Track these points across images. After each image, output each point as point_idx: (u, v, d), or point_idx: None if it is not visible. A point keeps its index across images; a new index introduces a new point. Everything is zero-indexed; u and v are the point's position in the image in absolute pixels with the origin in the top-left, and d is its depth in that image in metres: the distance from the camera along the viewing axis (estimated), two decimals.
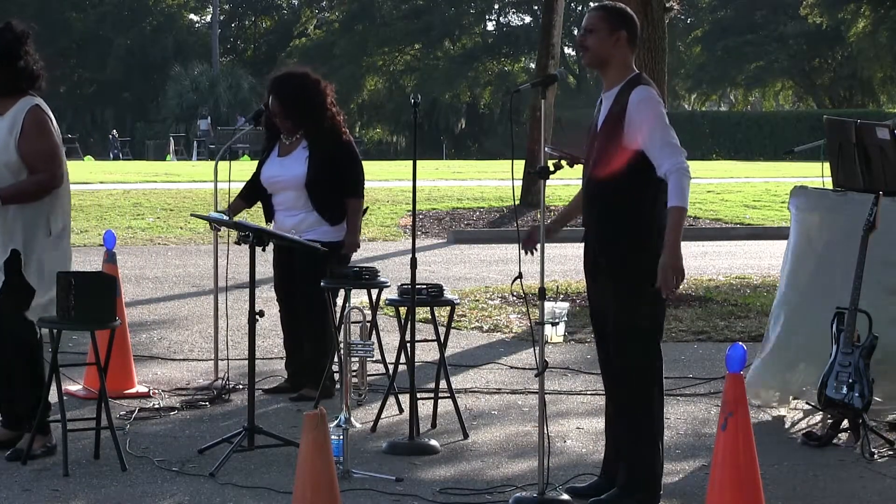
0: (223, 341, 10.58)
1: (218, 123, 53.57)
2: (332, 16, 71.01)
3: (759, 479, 5.47)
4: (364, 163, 8.93)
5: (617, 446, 6.34)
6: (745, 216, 22.33)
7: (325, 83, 8.68)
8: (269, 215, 8.77)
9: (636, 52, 6.27)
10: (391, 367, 8.16)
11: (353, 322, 6.97)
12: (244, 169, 8.98)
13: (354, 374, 7.01)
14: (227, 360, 9.03)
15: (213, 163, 8.88)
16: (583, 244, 6.39)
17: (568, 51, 62.99)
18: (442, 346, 7.84)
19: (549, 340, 6.47)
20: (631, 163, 6.06)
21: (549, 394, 8.40)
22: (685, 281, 13.43)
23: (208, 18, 71.80)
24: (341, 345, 7.08)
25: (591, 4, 65.52)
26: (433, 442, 7.41)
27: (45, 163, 6.85)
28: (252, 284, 7.27)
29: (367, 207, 9.03)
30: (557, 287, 13.25)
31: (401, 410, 8.19)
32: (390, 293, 8.30)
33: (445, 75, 65.72)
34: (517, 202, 19.93)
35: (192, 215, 9.48)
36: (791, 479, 6.86)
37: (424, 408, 7.92)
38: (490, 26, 71.19)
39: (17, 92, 6.91)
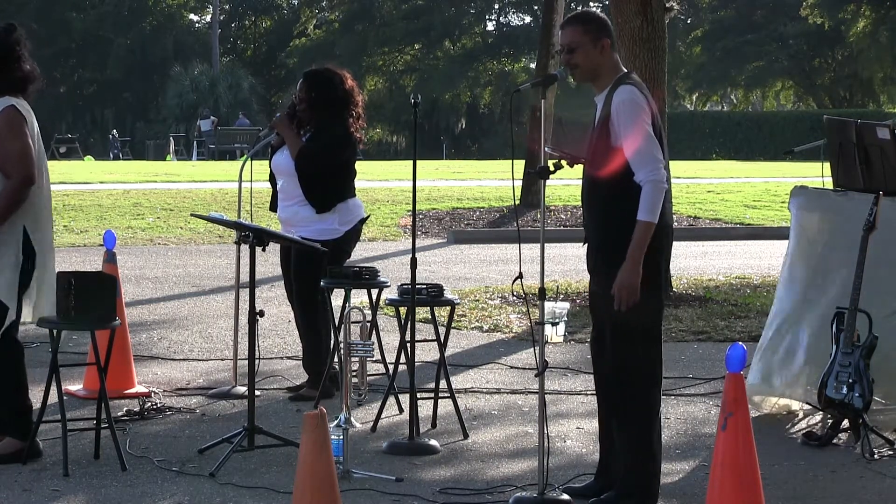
0: (223, 341, 10.60)
1: (217, 124, 53.51)
2: (332, 16, 70.95)
3: (759, 480, 5.47)
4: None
5: (612, 448, 6.33)
6: (745, 216, 22.33)
7: (357, 91, 8.72)
8: (276, 204, 8.82)
9: (624, 54, 6.30)
10: (391, 367, 8.16)
11: (353, 322, 6.97)
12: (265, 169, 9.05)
13: (354, 374, 7.01)
14: (235, 359, 9.03)
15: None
16: (583, 244, 6.39)
17: None
18: (442, 346, 7.84)
19: (549, 340, 6.48)
20: (625, 163, 6.07)
21: (549, 394, 8.40)
22: (685, 281, 13.36)
23: (208, 18, 71.76)
24: (341, 345, 7.08)
25: (591, 4, 65.08)
26: (433, 442, 7.41)
27: (14, 164, 6.74)
28: (252, 284, 7.27)
29: (369, 216, 9.03)
30: (557, 287, 13.25)
31: (401, 410, 8.19)
32: (390, 293, 8.30)
33: (445, 75, 65.65)
34: (517, 202, 19.92)
35: (192, 215, 9.49)
36: (791, 479, 6.86)
37: (424, 408, 7.92)
38: (490, 26, 71.15)
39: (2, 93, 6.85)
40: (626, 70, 6.29)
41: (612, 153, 6.09)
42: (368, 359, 7.06)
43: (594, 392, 8.86)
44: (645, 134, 6.05)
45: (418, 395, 7.60)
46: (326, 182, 8.55)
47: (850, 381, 7.44)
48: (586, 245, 6.34)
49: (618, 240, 6.12)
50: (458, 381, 9.05)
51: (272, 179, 8.87)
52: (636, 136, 6.04)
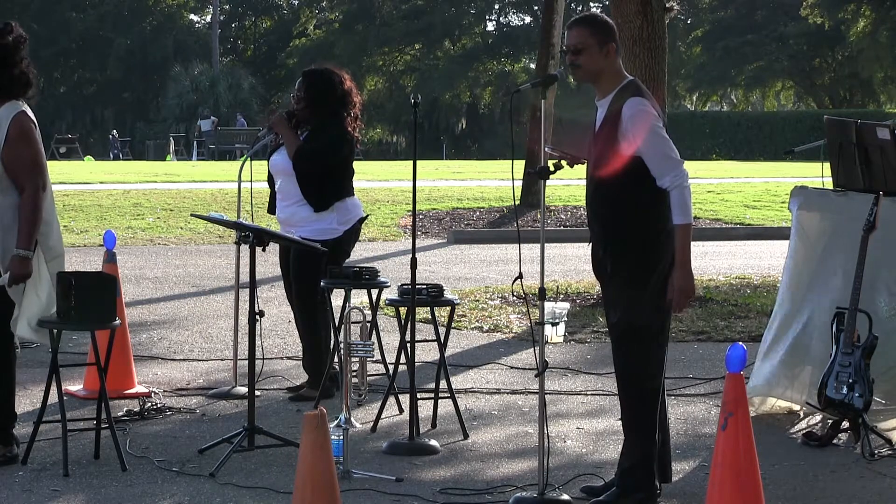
0: (223, 341, 10.60)
1: (217, 124, 53.54)
2: (332, 16, 70.99)
3: (759, 480, 5.47)
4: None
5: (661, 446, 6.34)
6: (745, 216, 22.33)
7: (355, 92, 8.72)
8: (275, 206, 8.82)
9: (624, 54, 6.31)
10: (391, 367, 8.16)
11: (353, 322, 6.97)
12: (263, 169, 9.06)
13: (354, 374, 7.01)
14: (235, 359, 9.03)
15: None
16: (587, 244, 6.40)
17: None
18: (442, 347, 7.83)
19: (549, 340, 6.48)
20: (629, 167, 6.10)
21: (549, 394, 8.40)
22: None
23: (208, 18, 71.80)
24: (341, 345, 7.08)
25: (592, 5, 65.09)
26: (433, 442, 7.41)
27: (27, 172, 6.71)
28: (252, 284, 7.27)
29: (368, 215, 9.03)
30: (557, 287, 13.25)
31: (401, 410, 8.19)
32: (390, 293, 8.30)
33: (445, 75, 65.70)
34: (517, 202, 19.92)
35: (192, 215, 9.49)
36: (791, 479, 6.86)
37: (424, 408, 7.92)
38: (490, 26, 71.19)
39: (5, 97, 6.80)
40: (629, 76, 6.29)
41: (617, 157, 6.10)
42: (368, 359, 7.06)
43: (595, 392, 8.93)
44: (663, 140, 6.09)
45: (418, 395, 7.60)
46: (324, 181, 8.55)
47: (850, 381, 7.44)
48: (591, 245, 6.36)
49: (621, 242, 6.14)
50: (458, 381, 9.05)
51: (270, 180, 8.87)
52: (654, 143, 6.06)
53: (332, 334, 8.35)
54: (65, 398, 6.97)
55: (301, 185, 8.54)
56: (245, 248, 7.59)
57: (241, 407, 8.12)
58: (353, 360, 6.95)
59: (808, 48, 61.14)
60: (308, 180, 8.53)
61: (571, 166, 6.43)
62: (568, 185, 23.42)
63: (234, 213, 9.13)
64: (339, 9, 69.74)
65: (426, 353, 9.47)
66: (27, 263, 6.69)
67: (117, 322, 6.95)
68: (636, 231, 6.13)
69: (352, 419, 6.72)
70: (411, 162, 7.59)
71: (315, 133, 8.60)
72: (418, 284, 7.53)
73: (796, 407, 8.28)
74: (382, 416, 7.91)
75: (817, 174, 9.45)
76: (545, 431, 6.20)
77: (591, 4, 66.65)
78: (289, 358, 9.95)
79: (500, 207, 22.30)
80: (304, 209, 8.57)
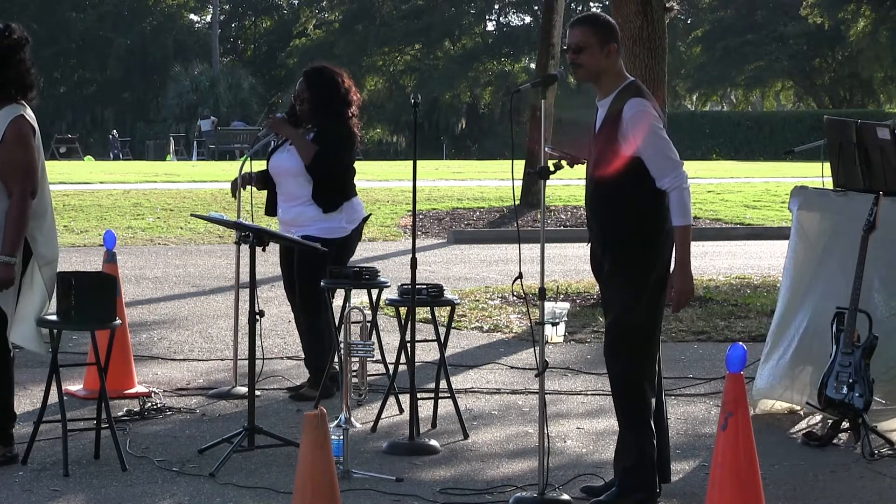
0: (223, 341, 10.60)
1: (217, 124, 53.53)
2: (332, 16, 70.99)
3: (759, 479, 5.47)
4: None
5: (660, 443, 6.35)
6: (745, 216, 22.33)
7: (355, 90, 8.73)
8: (273, 207, 8.80)
9: (624, 54, 6.31)
10: (391, 367, 8.16)
11: (353, 322, 6.97)
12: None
13: (354, 374, 7.01)
14: (235, 359, 9.02)
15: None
16: (586, 244, 6.41)
17: None
18: (442, 346, 7.84)
19: (549, 340, 6.48)
20: (628, 167, 6.11)
21: (549, 394, 8.40)
22: None
23: (208, 18, 71.80)
24: (341, 345, 7.08)
25: (592, 5, 65.06)
26: (433, 442, 7.41)
27: (18, 176, 6.65)
28: (252, 284, 7.27)
29: (370, 214, 9.03)
30: (557, 287, 13.25)
31: (401, 410, 8.19)
32: (390, 293, 8.30)
33: (445, 75, 65.71)
34: (517, 202, 19.92)
35: (192, 215, 9.49)
36: (791, 479, 6.86)
37: (424, 408, 7.92)
38: (490, 26, 71.20)
39: (5, 99, 6.76)
40: (630, 77, 6.30)
41: (618, 157, 6.11)
42: (368, 359, 7.06)
43: (595, 392, 8.93)
44: (663, 141, 6.10)
45: (418, 395, 7.60)
46: (334, 182, 8.57)
47: (851, 381, 7.44)
48: (590, 245, 6.36)
49: (620, 242, 6.15)
50: (458, 381, 9.05)
51: (269, 182, 8.85)
52: (654, 144, 6.07)
53: (334, 334, 8.36)
54: (65, 398, 6.97)
55: (317, 186, 8.53)
56: (245, 248, 7.58)
57: (241, 407, 8.12)
58: (353, 360, 6.95)
59: (808, 48, 61.15)
60: (322, 181, 8.54)
61: (571, 166, 6.44)
62: (568, 185, 23.42)
63: (234, 213, 9.12)
64: (339, 9, 69.74)
65: (426, 353, 9.47)
66: (10, 269, 6.64)
67: (117, 322, 6.95)
68: (635, 231, 6.13)
69: (352, 419, 6.72)
70: (411, 162, 7.59)
71: (324, 134, 8.60)
72: (418, 284, 7.53)
73: (797, 407, 8.28)
74: (382, 416, 7.91)
75: (817, 174, 9.44)
76: (545, 431, 6.20)
77: (591, 4, 66.66)
78: (289, 358, 9.95)
79: (500, 207, 22.29)
80: (311, 209, 8.57)
